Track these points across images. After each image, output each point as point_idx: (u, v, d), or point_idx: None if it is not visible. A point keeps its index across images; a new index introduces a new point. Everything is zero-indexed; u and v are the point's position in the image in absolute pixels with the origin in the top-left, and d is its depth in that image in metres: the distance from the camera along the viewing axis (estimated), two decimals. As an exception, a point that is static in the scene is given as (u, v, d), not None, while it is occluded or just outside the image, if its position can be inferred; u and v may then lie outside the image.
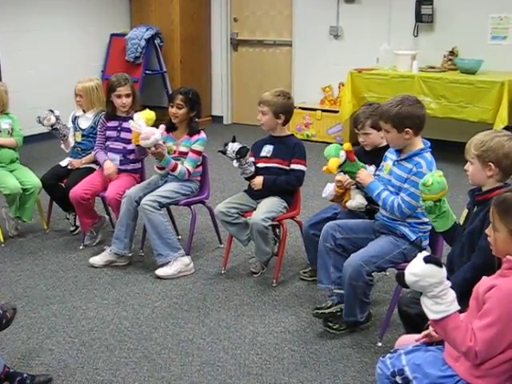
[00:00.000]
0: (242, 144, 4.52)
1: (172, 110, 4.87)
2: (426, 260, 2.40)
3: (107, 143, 5.21)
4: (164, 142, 4.93)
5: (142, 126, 4.65)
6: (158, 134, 4.65)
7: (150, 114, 4.77)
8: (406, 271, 2.44)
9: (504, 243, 2.51)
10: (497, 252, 2.56)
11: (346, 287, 3.77)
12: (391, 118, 3.65)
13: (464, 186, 3.24)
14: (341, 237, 3.94)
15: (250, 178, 4.65)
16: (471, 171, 3.10)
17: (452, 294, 2.43)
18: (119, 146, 5.16)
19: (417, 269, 2.41)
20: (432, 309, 2.43)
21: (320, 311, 3.94)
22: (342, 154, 3.85)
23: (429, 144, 3.73)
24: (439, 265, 2.40)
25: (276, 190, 4.59)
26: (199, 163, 4.95)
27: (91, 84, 5.36)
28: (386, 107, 3.70)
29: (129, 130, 4.94)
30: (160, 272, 4.73)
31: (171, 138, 4.95)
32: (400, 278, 2.50)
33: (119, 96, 5.10)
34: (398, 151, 3.78)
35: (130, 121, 4.76)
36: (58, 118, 5.37)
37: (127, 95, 5.11)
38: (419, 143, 3.73)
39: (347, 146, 3.87)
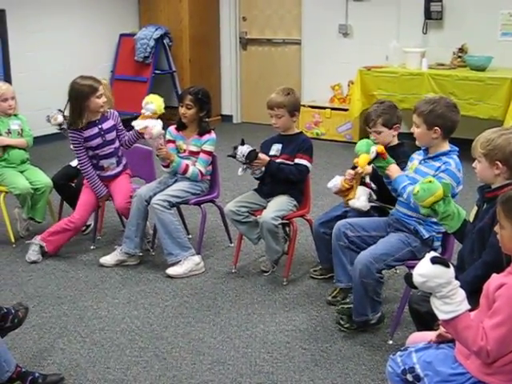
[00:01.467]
0: (250, 147, 4.50)
1: (181, 110, 4.87)
2: (433, 261, 2.40)
3: (95, 152, 5.01)
4: (174, 141, 4.96)
5: (150, 109, 4.73)
6: (159, 126, 4.72)
7: (157, 99, 4.89)
8: (414, 272, 2.44)
9: (511, 240, 2.50)
10: (505, 249, 2.55)
11: (356, 285, 3.77)
12: (424, 113, 3.67)
13: (474, 183, 3.22)
14: (353, 235, 3.95)
15: (259, 178, 4.65)
16: (479, 169, 3.09)
17: (461, 294, 2.42)
18: (110, 149, 5.06)
19: (424, 270, 2.41)
20: (442, 309, 2.42)
21: (346, 306, 3.93)
22: (373, 149, 3.87)
23: (457, 149, 3.75)
24: (446, 265, 2.40)
25: (278, 177, 4.55)
26: (210, 163, 4.97)
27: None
28: (422, 102, 3.73)
29: (111, 130, 4.99)
30: (171, 271, 4.74)
31: (181, 136, 4.96)
32: (408, 278, 2.51)
33: (99, 96, 4.89)
34: (426, 151, 3.79)
35: (135, 123, 4.82)
36: (66, 118, 5.38)
37: (104, 95, 4.99)
38: (447, 146, 3.74)
39: (381, 148, 3.86)
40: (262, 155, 4.54)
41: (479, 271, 2.99)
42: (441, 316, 2.43)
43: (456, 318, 2.41)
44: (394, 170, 3.85)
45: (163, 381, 3.49)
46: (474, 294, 2.62)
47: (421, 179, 3.68)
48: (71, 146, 5.48)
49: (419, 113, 3.69)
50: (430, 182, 3.13)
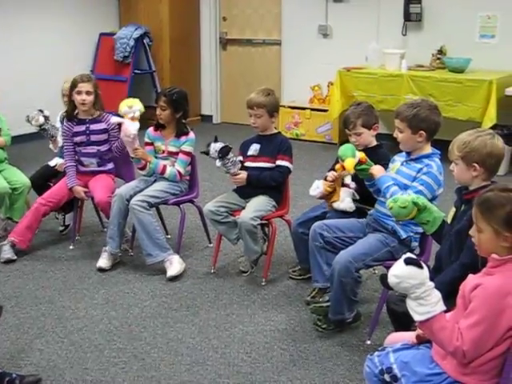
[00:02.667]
0: (224, 143, 4.51)
1: (157, 112, 4.87)
2: (407, 262, 2.41)
3: (78, 149, 5.12)
4: (152, 143, 4.95)
5: (137, 112, 4.73)
6: (135, 127, 4.73)
7: (135, 101, 4.88)
8: (389, 273, 2.45)
9: (489, 243, 2.50)
10: (482, 252, 2.55)
11: (334, 284, 3.78)
12: (408, 118, 3.68)
13: (452, 184, 3.24)
14: (329, 236, 3.97)
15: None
16: (456, 172, 3.10)
17: (436, 295, 2.44)
18: (93, 149, 5.10)
19: (398, 271, 2.42)
20: (416, 310, 2.43)
21: (318, 305, 3.95)
22: (357, 154, 3.87)
23: (439, 152, 3.77)
24: (420, 266, 2.41)
25: (260, 186, 4.59)
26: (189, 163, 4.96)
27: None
28: (404, 107, 3.73)
29: (98, 132, 4.99)
30: (171, 272, 4.68)
31: (160, 137, 4.95)
32: (383, 279, 2.52)
33: (79, 92, 4.99)
34: (408, 153, 3.81)
35: (112, 117, 4.79)
36: (47, 118, 5.35)
37: (87, 92, 5.00)
38: (429, 148, 3.76)
39: (362, 155, 3.87)
40: (238, 176, 4.59)
41: (457, 273, 3.00)
42: (416, 317, 2.44)
43: (431, 319, 2.42)
44: (377, 169, 3.86)
45: (141, 381, 3.48)
46: (450, 296, 2.64)
47: (402, 180, 3.72)
48: (50, 146, 5.48)
49: (403, 118, 3.70)
50: (405, 207, 3.15)
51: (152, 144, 4.97)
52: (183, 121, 4.92)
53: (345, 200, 4.10)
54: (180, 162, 4.88)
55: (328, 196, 4.16)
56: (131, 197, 4.78)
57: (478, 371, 2.47)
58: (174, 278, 4.67)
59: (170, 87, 5.09)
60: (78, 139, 5.09)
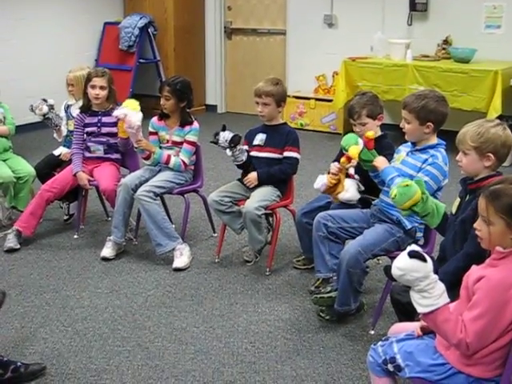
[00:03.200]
0: (233, 132, 4.52)
1: (161, 101, 4.87)
2: (411, 255, 2.41)
3: (89, 138, 5.16)
4: (156, 133, 4.95)
5: (118, 112, 4.72)
6: (138, 116, 4.70)
7: (133, 104, 4.80)
8: (393, 265, 2.45)
9: (500, 236, 2.48)
10: (489, 246, 2.53)
11: (342, 275, 3.77)
12: (416, 110, 3.66)
13: (457, 175, 3.23)
14: (333, 226, 3.96)
15: (241, 166, 4.66)
16: (466, 162, 3.09)
17: (440, 288, 2.43)
18: (102, 139, 5.15)
19: (402, 263, 2.42)
20: (420, 302, 2.44)
21: (319, 296, 3.95)
22: (361, 141, 3.86)
23: (444, 142, 3.76)
24: (423, 259, 2.40)
25: (272, 182, 4.60)
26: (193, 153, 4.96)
27: (83, 73, 5.32)
28: (411, 98, 3.71)
29: (110, 125, 5.00)
30: (178, 264, 4.70)
31: (164, 127, 4.95)
32: (387, 271, 2.52)
33: (93, 87, 5.04)
34: (413, 144, 3.80)
35: (115, 111, 4.77)
36: (51, 108, 5.36)
37: (101, 87, 5.05)
38: (435, 139, 3.75)
39: (372, 134, 3.85)
40: (249, 176, 4.58)
41: (461, 263, 3.00)
42: (419, 309, 2.45)
43: (435, 311, 2.42)
44: (381, 161, 3.84)
45: (145, 370, 3.49)
46: (454, 286, 2.64)
47: (408, 171, 3.71)
48: (55, 135, 5.49)
49: (411, 109, 3.67)
50: (407, 185, 3.12)
51: (156, 134, 4.97)
52: (187, 110, 4.92)
53: (349, 190, 4.09)
54: (184, 151, 4.88)
55: (332, 188, 4.14)
56: (136, 186, 4.78)
57: (482, 362, 2.48)
58: (178, 270, 4.68)
59: (173, 76, 5.09)
60: (89, 130, 5.13)
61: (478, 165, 3.05)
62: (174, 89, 4.81)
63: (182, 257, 4.72)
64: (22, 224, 5.03)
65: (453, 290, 2.57)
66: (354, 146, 3.84)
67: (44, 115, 5.32)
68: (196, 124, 4.92)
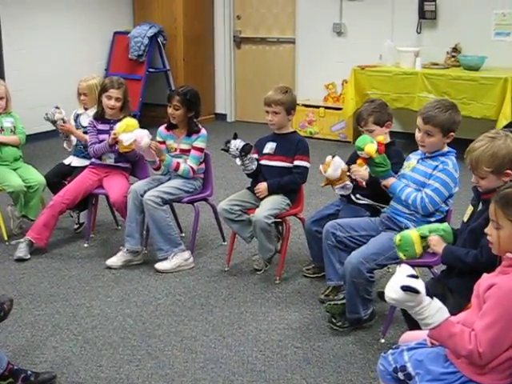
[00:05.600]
0: (244, 141, 4.52)
1: (169, 111, 4.88)
2: (403, 289, 2.40)
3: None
4: (164, 142, 4.96)
5: (127, 136, 4.74)
6: (146, 138, 4.70)
7: (131, 122, 4.83)
8: (386, 293, 2.45)
9: (509, 240, 2.48)
10: (499, 250, 2.53)
11: (346, 284, 3.79)
12: (442, 123, 3.64)
13: (467, 183, 3.22)
14: (342, 235, 3.97)
15: (251, 175, 4.66)
16: (485, 183, 3.05)
17: (435, 306, 2.43)
18: (113, 148, 5.13)
19: (395, 295, 2.42)
20: (420, 323, 2.46)
21: (332, 303, 3.95)
22: (374, 141, 3.88)
23: (455, 150, 3.77)
24: (416, 291, 2.40)
25: (283, 192, 4.60)
26: (202, 160, 4.97)
27: (94, 82, 5.38)
28: (433, 111, 3.65)
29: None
30: (159, 266, 4.77)
31: (172, 135, 4.97)
32: (381, 296, 2.53)
33: (109, 97, 5.07)
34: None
35: (122, 135, 4.78)
36: (63, 118, 5.37)
37: (117, 99, 5.09)
38: (446, 147, 3.77)
39: (382, 138, 3.87)
40: (260, 187, 4.58)
41: (469, 260, 3.03)
42: (422, 327, 2.47)
43: (437, 327, 2.42)
44: (389, 180, 3.88)
45: (155, 379, 3.49)
46: (449, 270, 2.62)
47: (419, 178, 3.73)
48: (64, 144, 5.51)
49: (437, 123, 3.63)
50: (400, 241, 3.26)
51: (164, 142, 4.98)
52: (194, 120, 4.93)
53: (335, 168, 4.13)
54: (192, 157, 4.89)
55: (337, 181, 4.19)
56: (145, 192, 4.79)
57: (493, 371, 2.45)
58: (161, 272, 4.73)
59: (182, 86, 5.10)
60: (101, 137, 5.15)
61: (498, 182, 3.02)
62: (184, 98, 4.83)
63: (172, 260, 4.77)
64: (35, 235, 5.05)
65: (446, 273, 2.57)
66: (370, 144, 3.85)
67: (62, 118, 5.33)
68: (203, 131, 4.94)
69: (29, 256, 5.01)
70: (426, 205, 3.70)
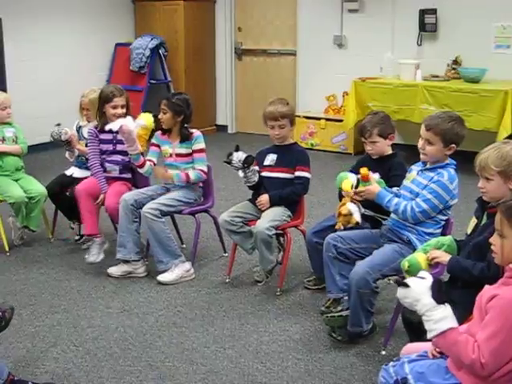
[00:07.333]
0: (246, 153, 4.53)
1: (159, 116, 4.94)
2: (398, 283, 2.52)
3: (103, 156, 5.17)
4: (158, 145, 5.02)
5: (138, 127, 4.83)
6: (131, 122, 4.81)
7: (149, 119, 4.96)
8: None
9: None
10: (502, 260, 2.53)
11: (352, 296, 3.77)
12: (443, 132, 3.65)
13: (467, 195, 3.23)
14: (343, 247, 3.97)
15: (253, 187, 4.67)
16: (491, 188, 3.05)
17: (440, 312, 2.44)
18: (117, 158, 5.16)
19: (397, 292, 2.53)
20: (426, 327, 2.47)
21: (330, 315, 3.94)
22: (352, 176, 3.93)
23: (454, 162, 3.77)
24: (405, 285, 2.48)
25: (285, 204, 4.61)
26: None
27: (95, 95, 5.36)
28: (436, 120, 3.68)
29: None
30: (161, 278, 4.77)
31: (167, 141, 5.00)
32: (399, 283, 2.58)
33: (115, 107, 5.07)
34: (424, 163, 3.82)
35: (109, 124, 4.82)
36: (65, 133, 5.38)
37: (122, 106, 5.10)
38: (447, 159, 3.77)
39: (364, 170, 3.89)
40: (261, 199, 4.59)
41: (475, 272, 3.02)
42: (428, 335, 2.48)
43: (440, 335, 2.43)
44: (370, 190, 3.87)
45: (156, 390, 3.49)
46: (453, 280, 2.63)
47: (415, 189, 3.73)
48: (66, 154, 5.51)
49: (437, 131, 3.65)
50: (409, 267, 3.25)
51: (158, 146, 5.03)
52: (185, 125, 4.95)
53: (354, 215, 4.08)
54: (198, 160, 4.92)
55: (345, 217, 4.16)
56: (136, 201, 4.81)
57: (495, 382, 2.45)
58: (162, 284, 4.73)
59: (173, 93, 5.14)
60: (104, 147, 5.16)
61: (504, 188, 3.02)
62: (170, 102, 4.87)
63: (174, 272, 4.78)
64: (88, 228, 5.09)
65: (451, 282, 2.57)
66: (346, 181, 3.94)
67: (69, 138, 5.34)
68: (197, 132, 4.97)
69: (100, 258, 5.10)
70: (416, 214, 3.70)
